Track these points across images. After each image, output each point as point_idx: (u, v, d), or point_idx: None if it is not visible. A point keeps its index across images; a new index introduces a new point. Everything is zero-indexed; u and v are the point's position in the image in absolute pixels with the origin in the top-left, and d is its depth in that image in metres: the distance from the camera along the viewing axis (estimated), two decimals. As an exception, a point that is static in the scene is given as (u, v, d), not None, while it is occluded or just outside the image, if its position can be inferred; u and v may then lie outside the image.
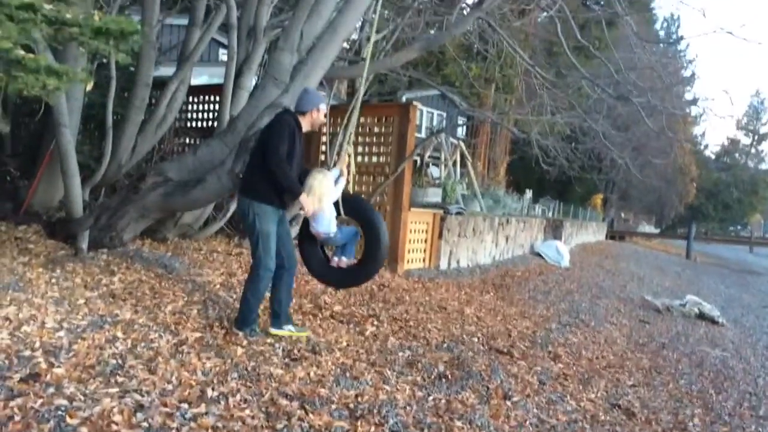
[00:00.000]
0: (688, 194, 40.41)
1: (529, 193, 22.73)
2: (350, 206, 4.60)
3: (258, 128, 5.20)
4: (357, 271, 4.68)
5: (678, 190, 38.17)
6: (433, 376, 4.48)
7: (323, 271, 4.73)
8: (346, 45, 11.94)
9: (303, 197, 4.22)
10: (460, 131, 24.04)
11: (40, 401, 2.78)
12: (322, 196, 4.32)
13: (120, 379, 3.20)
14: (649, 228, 45.33)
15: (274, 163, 4.12)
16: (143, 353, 3.63)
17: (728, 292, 17.78)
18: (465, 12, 10.73)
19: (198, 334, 4.17)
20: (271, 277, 4.40)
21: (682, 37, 43.39)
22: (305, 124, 4.42)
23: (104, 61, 7.09)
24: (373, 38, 5.92)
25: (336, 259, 4.62)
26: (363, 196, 8.94)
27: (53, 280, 4.52)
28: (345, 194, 4.58)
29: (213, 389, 3.33)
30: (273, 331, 4.51)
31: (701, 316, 11.01)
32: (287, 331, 4.55)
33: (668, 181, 35.00)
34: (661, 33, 42.43)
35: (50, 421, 2.64)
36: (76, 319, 3.90)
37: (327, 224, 4.43)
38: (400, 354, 4.83)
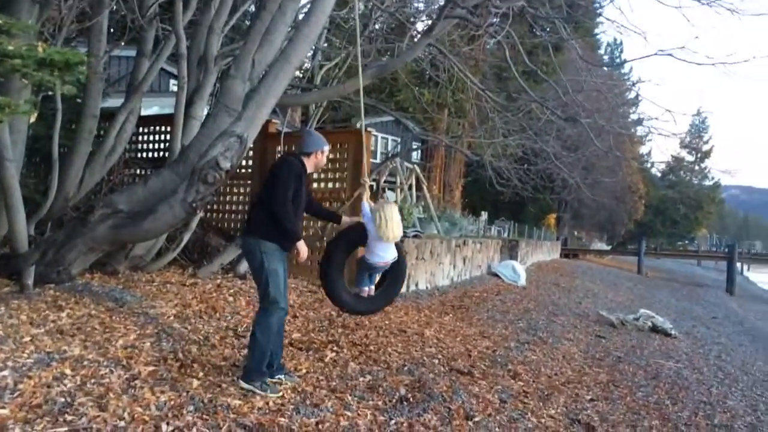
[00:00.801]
0: (637, 211, 41.65)
1: (484, 215, 23.06)
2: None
3: (211, 157, 5.16)
4: (379, 298, 4.81)
5: (627, 208, 39.30)
6: (394, 400, 4.45)
7: (353, 301, 4.72)
8: (298, 73, 12.01)
9: (301, 243, 4.23)
10: (415, 155, 24.33)
11: (-18, 445, 2.66)
12: (395, 225, 4.41)
13: (69, 418, 3.09)
14: (601, 245, 46.39)
15: (277, 205, 4.09)
16: (93, 390, 3.50)
17: (679, 305, 18.28)
18: (415, 39, 10.93)
19: (151, 368, 4.05)
20: (284, 316, 4.32)
21: (625, 61, 44.99)
22: (309, 165, 4.37)
23: (50, 93, 6.95)
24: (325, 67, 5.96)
25: (366, 288, 4.68)
26: (319, 222, 8.93)
27: (-3, 318, 4.34)
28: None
29: (168, 424, 3.24)
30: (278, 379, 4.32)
31: (654, 329, 11.27)
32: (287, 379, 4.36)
33: (618, 199, 36.03)
34: (605, 58, 43.91)
35: (-6, 466, 2.52)
36: (22, 357, 3.74)
37: (392, 252, 4.54)
38: (361, 379, 4.79)
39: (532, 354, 7.36)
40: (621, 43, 50.24)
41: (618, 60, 44.32)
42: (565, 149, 18.10)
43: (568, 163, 17.98)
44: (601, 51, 42.79)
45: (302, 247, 4.25)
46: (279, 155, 4.79)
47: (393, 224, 4.39)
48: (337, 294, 4.65)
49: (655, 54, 8.98)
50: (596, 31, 32.91)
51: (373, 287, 4.73)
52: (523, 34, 14.39)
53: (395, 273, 4.71)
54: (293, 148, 4.41)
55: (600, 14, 18.53)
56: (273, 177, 4.20)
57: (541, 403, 5.30)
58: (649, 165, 47.25)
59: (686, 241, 55.68)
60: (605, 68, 26.66)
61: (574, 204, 35.40)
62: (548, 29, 16.60)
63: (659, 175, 56.55)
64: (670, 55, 8.68)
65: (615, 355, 8.50)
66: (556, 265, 23.07)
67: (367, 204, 4.67)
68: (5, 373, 3.46)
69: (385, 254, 4.52)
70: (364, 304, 4.77)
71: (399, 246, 4.64)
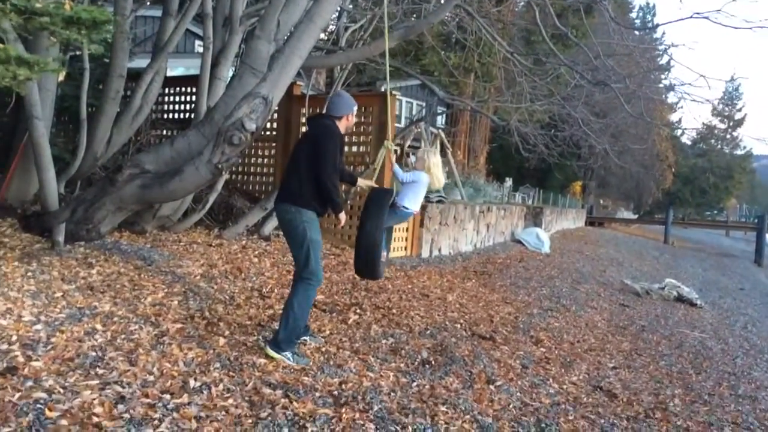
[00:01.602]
0: (666, 180, 40.97)
1: (509, 181, 22.87)
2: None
3: (237, 118, 5.14)
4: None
5: (655, 176, 38.66)
6: (416, 363, 4.49)
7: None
8: (323, 35, 11.89)
9: (342, 213, 4.20)
10: (440, 120, 24.07)
11: (18, 394, 2.73)
12: (441, 170, 4.71)
13: (100, 371, 3.16)
14: (627, 214, 45.85)
15: (327, 177, 3.96)
16: (123, 345, 3.58)
17: (706, 275, 18.07)
18: (442, 0, 10.71)
19: (179, 325, 4.13)
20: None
21: (658, 24, 43.73)
22: (341, 128, 4.25)
23: (77, 52, 6.97)
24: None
25: (384, 253, 4.63)
26: (343, 186, 8.93)
27: (29, 274, 4.44)
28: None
29: (195, 380, 3.30)
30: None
31: (680, 298, 11.17)
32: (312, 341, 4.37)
33: (646, 167, 35.43)
34: (637, 21, 42.73)
35: (29, 415, 2.60)
36: (54, 312, 3.83)
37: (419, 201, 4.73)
38: (384, 341, 4.83)
39: (554, 321, 7.35)
40: (654, 6, 48.95)
41: (651, 23, 43.09)
42: (594, 115, 17.77)
43: (596, 130, 17.66)
44: (633, 14, 41.66)
45: (343, 216, 4.22)
46: (310, 117, 4.59)
47: (439, 170, 4.66)
48: (379, 267, 4.47)
49: (690, 17, 8.70)
50: (629, -7, 32.05)
51: (385, 252, 4.69)
52: (554, -4, 14.03)
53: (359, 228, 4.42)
54: (323, 110, 4.31)
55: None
56: (317, 145, 4.02)
57: (563, 370, 5.31)
58: (679, 133, 46.29)
59: (715, 212, 54.79)
60: (637, 32, 25.94)
61: (600, 172, 34.91)
62: (579, -10, 16.20)
63: (689, 143, 55.40)
64: (706, 18, 8.40)
65: (639, 324, 8.45)
66: (581, 233, 22.89)
67: (398, 168, 4.75)
68: (38, 327, 3.55)
69: (418, 205, 4.73)
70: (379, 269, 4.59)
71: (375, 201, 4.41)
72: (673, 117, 43.87)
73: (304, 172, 4.03)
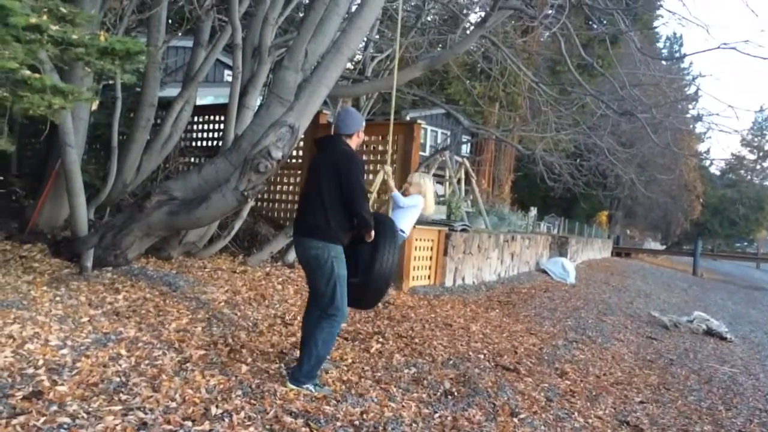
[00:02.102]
0: (694, 210, 40.30)
1: (534, 210, 22.69)
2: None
3: (263, 147, 5.21)
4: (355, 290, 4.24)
5: (683, 207, 38.07)
6: (439, 393, 4.44)
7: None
8: (350, 65, 12.05)
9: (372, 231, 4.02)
10: (465, 149, 24.11)
11: (42, 419, 2.76)
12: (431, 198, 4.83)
13: (123, 397, 3.18)
14: (654, 245, 45.14)
15: (364, 209, 3.87)
16: (147, 371, 3.61)
17: (736, 309, 17.64)
18: (468, 31, 10.82)
19: (202, 352, 4.15)
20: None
21: (685, 54, 43.54)
22: (353, 146, 4.12)
23: (110, 82, 7.16)
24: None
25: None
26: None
27: (57, 298, 4.51)
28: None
29: (217, 407, 3.31)
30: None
31: (709, 332, 10.91)
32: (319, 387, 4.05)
33: (674, 197, 34.95)
34: (664, 51, 42.58)
35: (53, 439, 2.62)
36: (80, 336, 3.88)
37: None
38: (406, 371, 4.79)
39: (580, 353, 7.23)
40: (681, 37, 48.56)
41: (678, 53, 42.91)
42: (620, 145, 17.67)
43: (622, 159, 17.55)
44: (660, 44, 41.51)
45: (372, 234, 4.03)
46: (321, 139, 4.30)
47: (432, 195, 4.79)
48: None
49: (718, 48, 8.68)
50: (655, 23, 32.00)
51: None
52: (579, 26, 14.10)
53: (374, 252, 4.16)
54: (332, 131, 4.17)
55: (660, 6, 18.02)
56: (348, 178, 3.85)
57: (588, 403, 5.21)
58: (707, 163, 45.72)
59: (745, 243, 53.67)
60: (663, 62, 25.86)
61: (627, 202, 34.52)
62: (605, 21, 16.24)
63: (718, 173, 54.61)
64: (734, 48, 8.36)
65: (667, 358, 8.27)
66: (607, 264, 22.58)
67: (397, 193, 4.83)
68: (65, 351, 3.60)
69: (410, 229, 4.81)
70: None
71: (387, 226, 4.28)
72: (701, 147, 43.42)
73: (330, 203, 3.86)
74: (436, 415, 3.98)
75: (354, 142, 4.11)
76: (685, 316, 11.85)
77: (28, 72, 3.67)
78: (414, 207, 4.85)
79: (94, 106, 5.15)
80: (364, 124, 4.24)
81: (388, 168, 4.91)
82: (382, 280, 4.13)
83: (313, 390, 3.87)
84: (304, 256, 4.00)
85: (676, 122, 14.96)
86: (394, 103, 5.73)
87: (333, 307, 3.90)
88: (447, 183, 15.52)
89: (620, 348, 8.27)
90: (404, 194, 4.89)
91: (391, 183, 4.90)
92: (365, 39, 10.33)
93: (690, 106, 27.54)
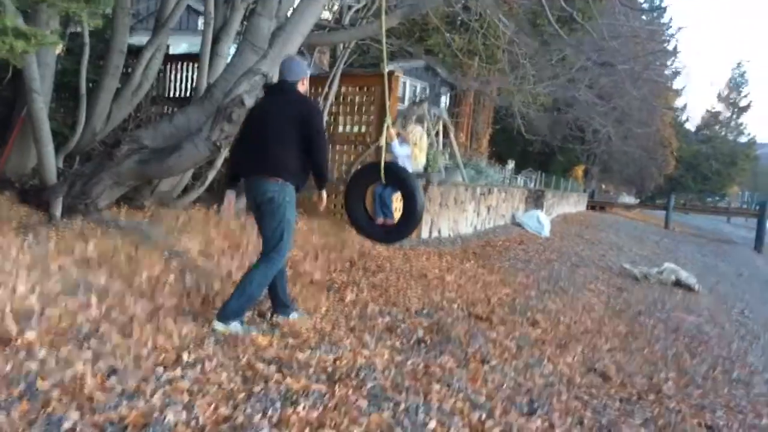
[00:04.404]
0: (668, 166, 40.82)
1: (511, 164, 22.76)
2: (391, 172, 4.67)
3: (236, 95, 5.10)
4: (397, 231, 4.88)
5: (658, 162, 38.52)
6: (412, 342, 4.50)
7: (368, 227, 4.91)
8: (327, 14, 11.78)
9: (324, 192, 4.24)
10: (443, 101, 23.93)
11: (10, 365, 2.74)
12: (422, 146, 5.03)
13: (94, 344, 3.16)
14: (629, 199, 45.76)
15: (325, 156, 4.04)
16: (118, 319, 3.59)
17: (705, 261, 18.08)
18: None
19: (175, 300, 4.14)
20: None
21: (666, 8, 43.25)
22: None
23: (79, 29, 6.93)
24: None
25: (380, 218, 4.84)
26: (344, 165, 8.91)
27: (25, 246, 4.44)
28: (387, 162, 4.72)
29: (189, 353, 3.31)
30: (291, 318, 4.29)
31: (678, 283, 11.18)
32: (301, 318, 4.34)
33: (649, 152, 35.29)
34: (645, 6, 42.24)
35: (20, 385, 2.61)
36: (49, 284, 3.83)
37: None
38: (380, 320, 4.84)
39: (552, 303, 7.36)
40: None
41: (659, 3, 42.61)
42: (598, 98, 17.66)
43: (600, 113, 17.59)
44: (641, -2, 41.10)
45: (325, 194, 4.25)
46: (272, 86, 4.48)
47: (423, 154, 5.03)
48: (356, 219, 4.90)
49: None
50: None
51: (387, 219, 4.87)
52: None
53: (405, 212, 4.72)
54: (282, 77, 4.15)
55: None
56: (311, 124, 3.96)
57: (558, 351, 5.32)
58: (683, 119, 46.08)
59: (717, 198, 54.65)
60: (644, 17, 25.70)
61: (603, 156, 34.80)
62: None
63: (693, 129, 55.13)
64: None
65: (636, 308, 8.46)
66: (581, 218, 22.86)
67: (396, 142, 4.81)
68: (33, 299, 3.55)
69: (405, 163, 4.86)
70: (378, 232, 4.93)
71: (412, 186, 4.65)
72: (678, 102, 43.68)
73: (288, 147, 3.95)
74: (409, 362, 4.04)
75: (301, 89, 4.16)
76: (655, 267, 12.10)
77: (-14, 12, 3.52)
78: (407, 156, 4.93)
79: (59, 50, 5.01)
80: (309, 73, 4.29)
81: (389, 121, 4.93)
82: (422, 215, 4.73)
83: (240, 330, 3.85)
84: (256, 196, 4.02)
85: (654, 75, 14.96)
86: (372, 54, 5.64)
87: (275, 249, 3.96)
88: (425, 135, 15.45)
89: (591, 298, 8.43)
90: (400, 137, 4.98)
91: (392, 133, 4.91)
92: (342, -15, 10.07)
93: (668, 62, 27.56)
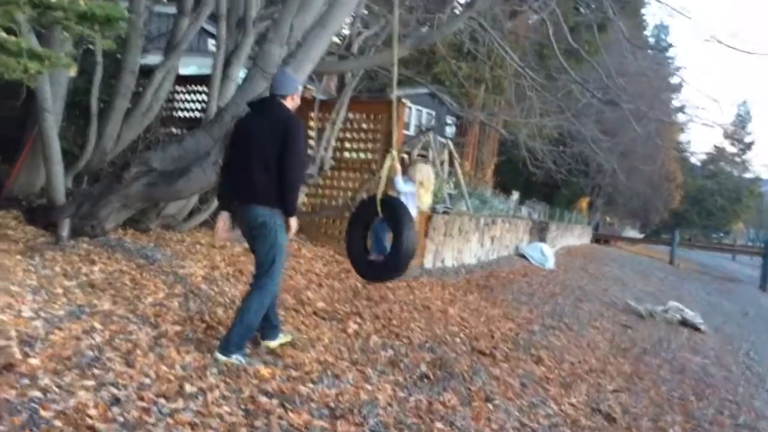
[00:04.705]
0: (673, 200, 40.81)
1: (515, 195, 22.76)
2: (388, 206, 4.45)
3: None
4: (383, 269, 4.56)
5: (663, 196, 38.51)
6: (415, 377, 4.44)
7: (359, 262, 4.64)
8: (336, 40, 11.88)
9: (294, 219, 3.95)
10: (449, 131, 24.05)
11: (13, 392, 2.70)
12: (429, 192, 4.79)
13: (97, 372, 3.13)
14: (633, 232, 45.66)
15: (297, 177, 3.82)
16: (121, 345, 3.55)
17: (710, 299, 17.95)
18: (457, 11, 10.71)
19: (178, 327, 4.10)
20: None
21: (671, 45, 43.71)
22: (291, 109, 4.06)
23: (91, 47, 6.99)
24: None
25: (373, 255, 4.59)
26: (349, 192, 8.91)
27: (31, 268, 4.41)
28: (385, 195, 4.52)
29: (191, 384, 3.27)
30: (274, 344, 4.21)
31: (683, 322, 11.08)
32: (286, 338, 4.32)
33: (654, 186, 35.31)
34: (651, 40, 42.65)
35: (23, 414, 2.57)
36: (54, 308, 3.80)
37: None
38: (383, 353, 4.79)
39: (556, 340, 7.29)
40: (668, 27, 48.66)
41: (664, 43, 43.07)
42: (603, 133, 17.73)
43: (605, 148, 17.65)
44: (647, 33, 41.53)
45: (294, 222, 3.94)
46: (258, 102, 4.23)
47: (430, 194, 4.78)
48: (354, 256, 4.65)
49: (705, 40, 8.69)
50: (643, 11, 32.00)
51: (379, 255, 4.60)
52: (567, 11, 14.04)
53: (392, 251, 4.42)
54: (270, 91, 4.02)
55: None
56: (291, 143, 3.75)
57: (562, 390, 5.26)
58: (688, 154, 46.21)
59: (722, 234, 54.55)
60: (650, 51, 25.93)
61: (608, 189, 34.77)
62: (594, 6, 16.18)
63: (699, 164, 55.22)
64: (720, 42, 8.39)
65: (641, 347, 8.38)
66: (586, 251, 22.80)
67: (400, 178, 4.61)
68: (37, 323, 3.52)
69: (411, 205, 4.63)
70: (370, 270, 4.66)
71: (403, 224, 4.34)
72: (683, 137, 43.81)
73: (275, 168, 3.76)
74: (412, 398, 3.99)
75: (290, 105, 3.98)
76: (660, 305, 12.02)
77: (3, 34, 3.55)
78: (412, 194, 4.70)
79: (73, 72, 5.02)
80: (300, 88, 4.14)
81: (394, 152, 4.77)
82: (410, 256, 4.33)
83: (243, 361, 3.79)
84: (249, 223, 3.93)
85: (659, 113, 15.02)
86: (379, 80, 5.64)
87: (267, 274, 3.88)
88: (430, 164, 15.48)
89: (595, 335, 8.36)
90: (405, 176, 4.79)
91: (397, 166, 4.68)
92: (352, 15, 10.17)
93: (673, 96, 27.73)
